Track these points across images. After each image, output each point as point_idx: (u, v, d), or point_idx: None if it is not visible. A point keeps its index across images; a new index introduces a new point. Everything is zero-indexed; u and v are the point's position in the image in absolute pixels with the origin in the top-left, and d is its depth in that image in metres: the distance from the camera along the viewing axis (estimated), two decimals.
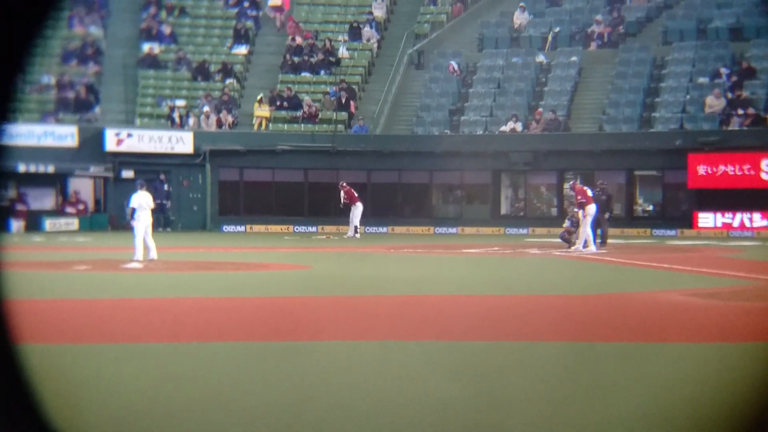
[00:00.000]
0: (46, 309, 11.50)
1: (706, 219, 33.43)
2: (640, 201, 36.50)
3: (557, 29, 40.62)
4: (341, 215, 32.83)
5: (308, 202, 37.34)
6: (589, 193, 23.67)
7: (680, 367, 7.79)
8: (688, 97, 35.99)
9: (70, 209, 36.26)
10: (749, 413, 5.64)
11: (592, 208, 23.24)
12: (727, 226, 33.14)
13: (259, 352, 8.41)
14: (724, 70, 35.83)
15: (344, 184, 32.57)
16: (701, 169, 33.22)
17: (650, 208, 36.30)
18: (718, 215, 33.31)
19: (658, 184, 36.00)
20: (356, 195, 32.06)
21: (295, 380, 7.00)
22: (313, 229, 36.06)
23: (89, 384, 6.84)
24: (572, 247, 23.19)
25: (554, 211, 36.02)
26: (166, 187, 36.41)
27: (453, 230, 35.75)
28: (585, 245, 23.05)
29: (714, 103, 34.76)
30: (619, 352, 8.58)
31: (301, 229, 36.14)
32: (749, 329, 10.07)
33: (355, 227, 31.78)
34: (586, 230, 23.18)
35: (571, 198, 24.23)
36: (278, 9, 42.49)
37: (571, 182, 25.56)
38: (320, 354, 8.29)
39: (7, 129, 2.61)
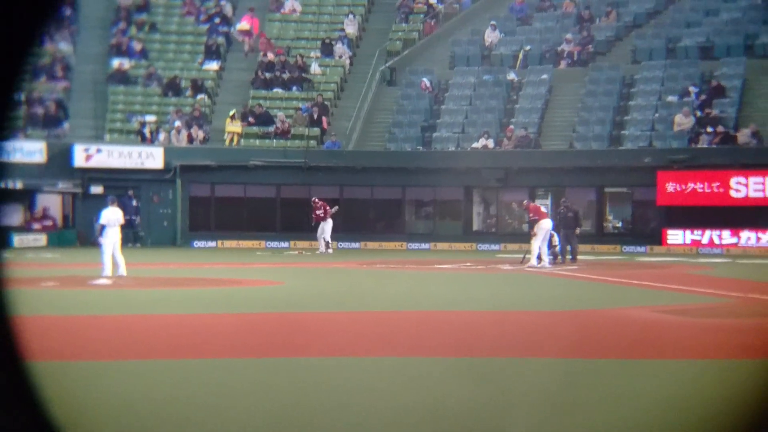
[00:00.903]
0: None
1: (676, 236, 33.72)
2: (609, 218, 36.74)
3: (528, 47, 40.93)
4: (313, 230, 32.74)
5: (280, 218, 37.20)
6: (543, 209, 23.89)
7: (653, 383, 7.79)
8: (657, 115, 36.36)
9: (36, 225, 35.82)
10: (722, 429, 5.65)
11: (545, 223, 23.47)
12: (697, 243, 33.43)
13: (231, 369, 8.31)
14: (693, 89, 36.25)
15: (317, 200, 32.57)
16: (670, 187, 33.52)
17: (620, 224, 36.56)
18: (688, 232, 33.60)
19: (628, 201, 36.27)
20: (329, 210, 32.16)
21: (269, 396, 6.92)
22: (286, 244, 35.92)
23: (55, 402, 6.71)
24: (524, 264, 23.30)
25: (526, 227, 36.14)
26: (134, 202, 36.14)
27: (425, 246, 35.77)
28: (539, 260, 23.21)
29: (683, 121, 35.13)
30: (593, 369, 8.57)
31: (273, 244, 35.97)
32: (720, 346, 10.12)
33: (327, 243, 31.74)
34: (536, 245, 23.38)
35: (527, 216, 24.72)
36: (247, 33, 42.19)
37: (524, 201, 25.96)
38: (294, 370, 8.21)
39: (5, 146, 2.55)
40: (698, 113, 35.26)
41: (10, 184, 34.64)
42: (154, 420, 6.17)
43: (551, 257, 24.10)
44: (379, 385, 7.48)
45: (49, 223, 36.32)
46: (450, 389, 7.35)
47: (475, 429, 5.91)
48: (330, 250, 31.43)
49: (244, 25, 42.21)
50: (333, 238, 32.32)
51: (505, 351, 9.64)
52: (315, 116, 38.80)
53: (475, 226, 37.16)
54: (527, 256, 23.79)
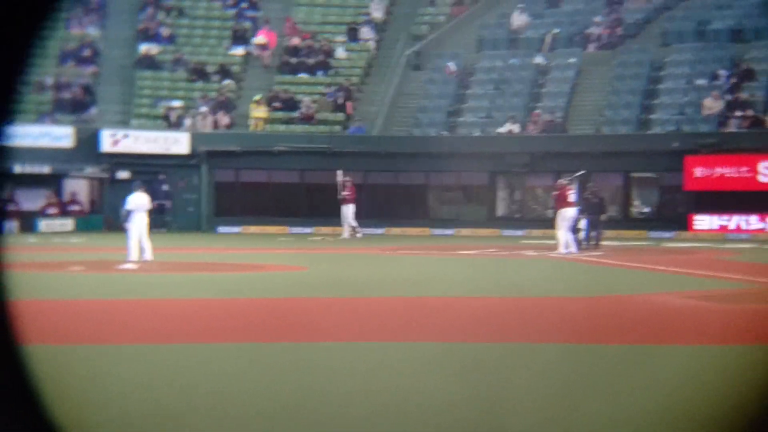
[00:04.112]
0: (40, 310, 11.42)
1: (703, 221, 33.39)
2: (636, 203, 36.45)
3: (556, 31, 40.57)
4: (337, 216, 32.67)
5: (305, 203, 37.25)
6: (571, 197, 23.61)
7: (679, 369, 7.72)
8: (686, 99, 35.96)
9: (52, 210, 35.90)
10: (749, 415, 5.57)
11: (569, 212, 23.26)
12: (724, 228, 33.09)
13: (255, 353, 8.34)
14: (722, 72, 35.80)
15: (347, 179, 32.21)
16: (698, 171, 33.18)
17: (646, 210, 36.25)
18: (715, 217, 33.27)
19: (655, 186, 35.95)
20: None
21: (292, 381, 6.93)
22: (309, 230, 35.98)
23: (84, 384, 6.76)
24: (554, 252, 23.14)
25: (551, 212, 35.94)
26: (165, 187, 36.31)
27: (449, 231, 35.69)
28: (566, 248, 23.04)
29: (712, 105, 34.73)
30: (618, 355, 8.51)
31: (297, 230, 36.04)
32: (747, 332, 10.02)
33: (354, 227, 31.66)
34: (562, 233, 23.20)
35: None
36: (264, 47, 41.75)
37: (559, 180, 25.39)
38: (317, 355, 8.22)
39: (7, 130, 2.54)
40: (727, 97, 34.84)
41: (37, 169, 35.00)
42: (180, 400, 6.20)
43: (576, 243, 23.94)
44: (396, 370, 7.46)
45: (76, 208, 36.60)
46: (470, 375, 7.32)
47: (496, 413, 5.89)
48: (359, 235, 31.38)
49: (261, 39, 41.72)
50: (356, 223, 32.18)
51: (528, 337, 9.59)
52: (340, 101, 38.75)
53: (500, 212, 37.00)
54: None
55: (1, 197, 2.84)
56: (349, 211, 31.70)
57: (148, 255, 18.75)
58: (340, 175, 32.09)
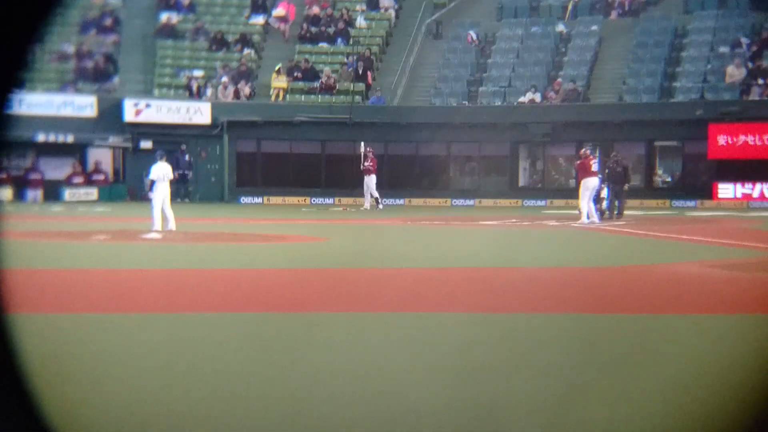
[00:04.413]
0: (65, 278, 11.58)
1: (726, 190, 33.20)
2: (659, 172, 36.26)
3: None
4: (359, 186, 32.72)
5: (325, 174, 37.32)
6: (594, 167, 23.51)
7: (699, 338, 7.74)
8: (709, 66, 35.62)
9: (77, 179, 36.21)
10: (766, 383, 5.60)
11: (591, 182, 23.17)
12: (747, 197, 32.90)
13: (276, 324, 8.43)
14: (744, 40, 35.42)
15: (370, 150, 32.17)
16: (722, 140, 32.95)
17: (669, 179, 36.07)
18: (738, 186, 33.07)
19: (678, 155, 35.74)
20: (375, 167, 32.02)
21: (313, 351, 7.01)
22: (330, 200, 36.08)
23: (108, 352, 6.88)
24: (577, 222, 23.10)
25: (572, 182, 35.85)
26: (187, 157, 36.48)
27: (470, 202, 35.67)
28: (588, 218, 23.00)
29: (735, 72, 34.38)
30: (641, 324, 8.54)
31: (318, 200, 36.15)
32: None
33: (377, 198, 31.70)
34: (584, 203, 23.14)
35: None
36: (283, 19, 41.59)
37: (582, 150, 25.27)
38: (338, 326, 8.30)
39: (12, 99, 2.57)
40: (750, 65, 34.47)
41: (61, 138, 35.26)
42: (200, 369, 6.30)
43: (599, 213, 23.89)
44: (415, 340, 7.53)
45: (100, 177, 36.86)
46: (489, 345, 7.38)
47: (514, 383, 5.94)
48: (381, 206, 31.44)
49: (279, 11, 41.55)
50: (378, 194, 32.21)
51: (549, 307, 9.63)
52: (360, 71, 38.64)
53: (521, 182, 36.92)
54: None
55: (2, 164, 2.89)
56: (371, 182, 31.73)
57: (171, 224, 18.89)
58: (362, 147, 32.07)
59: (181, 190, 35.08)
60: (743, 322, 8.74)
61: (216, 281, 11.79)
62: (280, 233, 20.38)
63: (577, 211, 24.29)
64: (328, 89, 38.27)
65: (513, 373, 6.32)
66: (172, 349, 7.13)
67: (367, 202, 31.76)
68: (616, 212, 25.39)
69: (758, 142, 32.51)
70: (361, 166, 31.96)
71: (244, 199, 36.79)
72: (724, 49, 35.70)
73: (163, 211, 18.96)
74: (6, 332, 2.89)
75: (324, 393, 5.67)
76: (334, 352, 6.97)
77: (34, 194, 34.64)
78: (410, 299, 10.11)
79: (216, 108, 37.01)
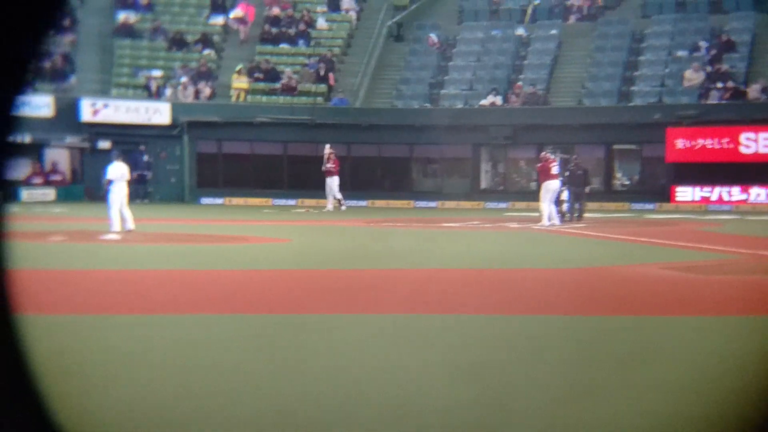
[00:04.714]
0: (21, 279, 11.36)
1: (685, 193, 33.61)
2: (618, 175, 36.61)
3: (537, 2, 40.50)
4: (321, 188, 32.60)
5: (287, 175, 37.16)
6: (554, 170, 23.67)
7: (659, 339, 7.79)
8: (667, 70, 36.05)
9: (37, 179, 35.75)
10: (729, 387, 5.64)
11: (552, 184, 23.33)
12: (706, 199, 33.33)
13: (238, 325, 8.34)
14: (703, 44, 35.89)
15: (332, 151, 31.85)
16: (680, 143, 33.35)
17: (628, 182, 36.43)
18: (697, 189, 33.49)
19: (637, 158, 36.11)
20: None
21: (275, 354, 6.95)
22: (293, 202, 35.93)
23: (62, 354, 6.75)
24: (538, 224, 23.23)
25: (533, 185, 36.07)
26: (146, 158, 36.12)
27: (433, 204, 35.74)
28: (549, 220, 23.15)
29: (693, 76, 34.84)
30: (600, 326, 8.58)
31: (281, 201, 35.99)
32: (727, 302, 10.12)
33: (339, 200, 31.57)
34: (543, 206, 23.31)
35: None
36: (241, 21, 41.25)
37: (543, 153, 25.39)
38: (301, 327, 8.23)
39: (18, 99, 2.51)
40: (708, 68, 34.95)
41: (19, 138, 34.64)
42: (161, 371, 6.20)
43: (560, 215, 24.05)
44: (379, 343, 7.49)
45: (57, 177, 36.36)
46: (458, 346, 7.37)
47: (486, 386, 5.93)
48: (343, 207, 31.33)
49: (237, 12, 41.19)
50: (341, 195, 32.12)
51: (512, 308, 9.64)
52: (322, 72, 38.54)
53: (483, 184, 37.07)
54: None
55: (7, 167, 2.82)
56: (333, 183, 31.61)
57: (130, 224, 18.67)
58: (327, 148, 31.91)
59: (140, 191, 34.70)
60: (700, 323, 8.82)
61: (175, 282, 11.65)
62: (241, 234, 20.23)
63: (538, 214, 24.44)
64: (289, 90, 38.11)
65: (471, 371, 6.29)
66: (126, 352, 7.01)
67: (330, 204, 31.64)
68: (576, 215, 25.59)
69: (716, 146, 32.96)
70: (323, 167, 31.83)
71: (205, 200, 36.50)
72: (682, 53, 36.16)
73: (121, 211, 18.72)
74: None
75: (290, 394, 5.61)
76: (293, 354, 6.91)
77: None
78: (368, 300, 10.07)
79: (176, 108, 36.68)
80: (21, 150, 34.70)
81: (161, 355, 6.87)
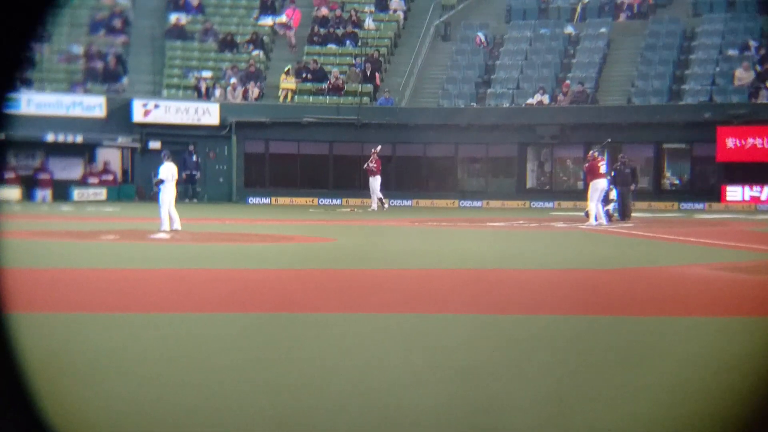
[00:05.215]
0: (75, 278, 11.64)
1: (735, 192, 33.13)
2: (667, 174, 36.20)
3: (586, 0, 40.16)
4: (366, 188, 32.71)
5: (333, 175, 37.37)
6: (602, 169, 23.48)
7: (706, 340, 7.75)
8: (717, 69, 35.56)
9: (92, 179, 36.47)
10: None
11: (600, 183, 23.15)
12: (756, 199, 32.82)
13: (283, 324, 8.47)
14: (753, 43, 35.36)
15: (376, 151, 31.81)
16: (730, 142, 32.88)
17: (678, 181, 36.00)
18: (747, 188, 32.99)
19: (687, 158, 35.67)
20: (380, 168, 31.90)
21: (318, 352, 7.05)
22: (338, 201, 36.12)
23: (117, 351, 6.93)
24: (585, 224, 23.08)
25: (580, 184, 35.81)
26: (195, 158, 36.58)
27: (478, 204, 35.67)
28: (596, 219, 22.99)
29: (743, 75, 34.32)
30: (648, 326, 8.54)
31: (326, 201, 36.20)
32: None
33: (381, 199, 31.67)
34: (591, 205, 23.15)
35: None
36: (287, 27, 41.46)
37: (591, 152, 25.10)
38: (344, 327, 8.33)
39: (11, 98, 2.61)
40: (758, 68, 34.41)
41: (70, 138, 35.38)
42: (205, 368, 6.34)
43: (607, 215, 23.86)
44: (415, 340, 7.56)
45: (109, 177, 36.99)
46: (494, 346, 7.41)
47: (514, 383, 5.97)
48: (386, 207, 31.43)
49: (282, 18, 41.40)
50: (385, 195, 32.22)
51: (554, 309, 9.64)
52: (368, 72, 38.68)
53: (529, 184, 36.90)
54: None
55: (3, 163, 2.91)
56: (375, 183, 31.68)
57: (177, 225, 18.96)
58: (378, 148, 31.87)
59: (189, 191, 35.18)
60: (753, 325, 8.73)
61: (222, 281, 11.83)
62: (287, 233, 20.43)
63: (584, 213, 24.30)
64: (336, 90, 38.32)
65: (513, 371, 6.34)
66: (175, 347, 7.17)
67: (374, 203, 31.76)
68: (626, 214, 25.23)
69: (766, 145, 32.44)
70: (365, 166, 31.92)
71: (252, 200, 36.86)
72: (732, 52, 35.64)
73: (168, 211, 19.02)
74: (5, 331, 2.92)
75: (327, 391, 5.71)
76: (337, 352, 7.00)
77: (43, 194, 34.77)
78: (413, 300, 10.14)
79: (224, 109, 37.10)
80: (72, 150, 35.43)
81: (192, 353, 7.02)
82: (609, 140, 27.24)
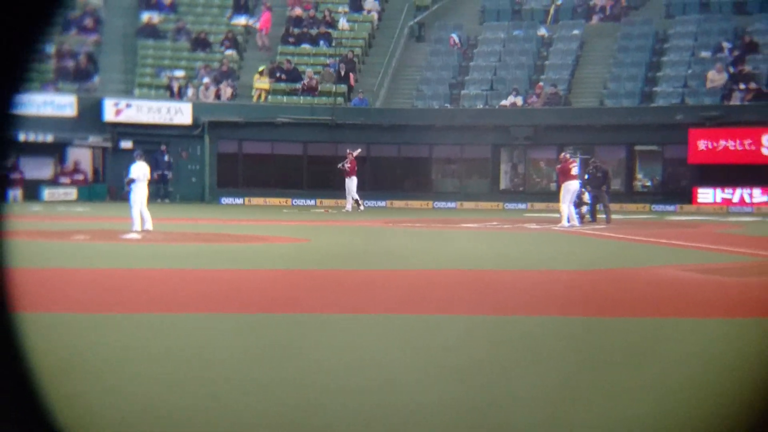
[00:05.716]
0: (44, 277, 11.47)
1: (706, 194, 33.40)
2: (639, 176, 36.43)
3: (559, 2, 40.37)
4: (340, 188, 32.66)
5: (307, 175, 37.26)
6: (574, 170, 23.56)
7: (678, 342, 7.76)
8: (689, 71, 35.83)
9: (63, 179, 36.14)
10: (752, 388, 5.61)
11: (571, 185, 23.22)
12: (727, 201, 33.11)
13: (255, 324, 8.38)
14: (726, 45, 35.65)
15: (352, 153, 31.72)
16: (702, 144, 33.14)
17: (649, 183, 36.24)
18: (718, 191, 33.27)
19: (659, 159, 35.92)
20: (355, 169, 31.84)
21: (291, 353, 6.97)
22: (312, 202, 36.01)
23: (87, 352, 6.81)
24: (557, 225, 23.14)
25: (554, 186, 35.94)
26: (167, 158, 36.33)
27: (452, 205, 35.70)
28: (569, 221, 23.06)
29: (716, 77, 34.60)
30: (622, 327, 8.55)
31: (300, 202, 36.08)
32: (750, 305, 10.04)
33: (357, 200, 31.60)
34: (563, 207, 23.21)
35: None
36: (258, 30, 41.17)
37: (563, 154, 25.12)
38: (317, 326, 8.26)
39: (16, 98, 2.54)
40: (731, 69, 34.71)
41: (40, 137, 35.02)
42: (177, 370, 6.25)
43: (579, 217, 23.95)
44: (395, 343, 7.50)
45: (80, 177, 36.64)
46: (471, 347, 7.37)
47: (496, 386, 5.93)
48: (361, 208, 31.36)
49: (252, 22, 41.17)
50: (360, 196, 32.13)
51: (529, 309, 9.63)
52: (342, 73, 38.60)
53: (503, 185, 37.01)
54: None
55: (5, 165, 2.83)
56: (351, 183, 31.60)
57: (148, 224, 18.79)
58: (357, 152, 31.76)
59: (160, 191, 34.92)
60: (724, 326, 8.76)
61: (195, 281, 11.71)
62: (260, 234, 20.31)
63: (557, 215, 24.37)
64: (310, 91, 38.21)
65: (492, 372, 6.30)
66: (147, 348, 7.06)
67: (349, 204, 31.69)
68: (602, 216, 25.28)
69: (738, 147, 32.73)
70: (339, 165, 31.82)
71: (225, 200, 36.66)
72: (705, 54, 35.93)
73: (140, 211, 18.84)
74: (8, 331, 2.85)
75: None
76: (310, 353, 6.93)
77: (14, 194, 34.38)
78: (391, 300, 10.08)
79: (197, 108, 36.88)
80: (42, 149, 35.06)
81: (165, 354, 6.92)
82: (581, 151, 27.27)
